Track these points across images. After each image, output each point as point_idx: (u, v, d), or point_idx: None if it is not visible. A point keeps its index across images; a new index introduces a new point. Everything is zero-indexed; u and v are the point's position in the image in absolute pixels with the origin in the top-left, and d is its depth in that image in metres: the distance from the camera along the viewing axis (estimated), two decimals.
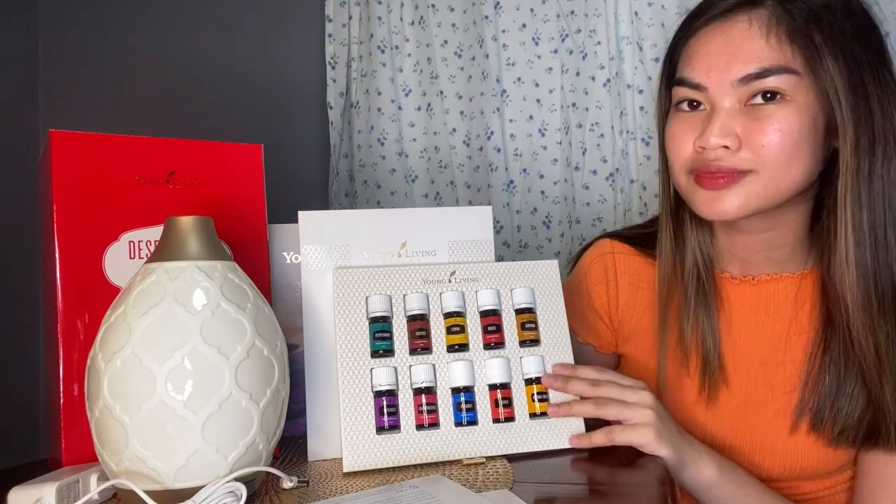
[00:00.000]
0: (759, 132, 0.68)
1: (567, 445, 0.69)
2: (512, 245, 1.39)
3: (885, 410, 0.70)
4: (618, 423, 0.68)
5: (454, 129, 1.42)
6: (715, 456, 0.71)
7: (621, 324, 0.87)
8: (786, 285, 0.78)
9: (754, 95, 0.68)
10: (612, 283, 0.87)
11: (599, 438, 0.67)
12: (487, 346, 0.72)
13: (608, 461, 0.66)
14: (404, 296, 0.72)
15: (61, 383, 0.65)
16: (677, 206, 0.80)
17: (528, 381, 0.71)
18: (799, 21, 0.67)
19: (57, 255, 0.65)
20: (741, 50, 0.68)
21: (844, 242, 0.68)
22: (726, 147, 0.69)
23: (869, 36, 0.70)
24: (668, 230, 0.81)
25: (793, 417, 0.76)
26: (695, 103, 0.72)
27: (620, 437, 0.66)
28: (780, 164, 0.68)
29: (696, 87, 0.71)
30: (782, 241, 0.77)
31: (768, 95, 0.68)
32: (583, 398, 0.70)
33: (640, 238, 0.87)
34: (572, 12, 1.34)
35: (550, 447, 0.69)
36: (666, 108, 0.78)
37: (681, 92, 0.73)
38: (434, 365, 0.70)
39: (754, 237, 0.77)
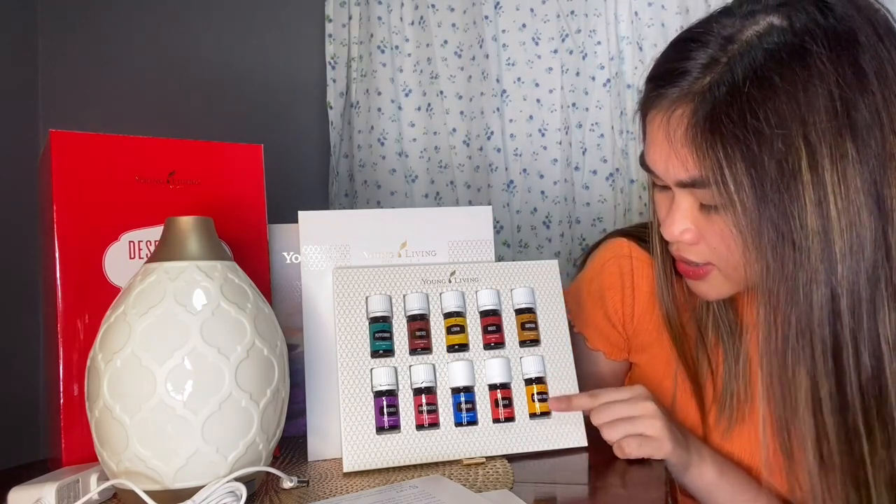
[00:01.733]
0: (709, 234, 0.63)
1: (567, 445, 0.69)
2: (512, 245, 1.39)
3: None
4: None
5: (454, 129, 1.42)
6: (717, 458, 0.71)
7: (635, 333, 0.81)
8: None
9: (696, 196, 0.63)
10: (627, 289, 0.80)
11: (619, 453, 0.65)
12: (487, 346, 0.72)
13: (608, 461, 0.66)
14: (404, 296, 0.72)
15: (61, 383, 0.65)
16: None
17: (528, 381, 0.71)
18: (722, 116, 0.57)
19: (57, 255, 0.65)
20: (671, 152, 0.61)
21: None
22: (685, 241, 0.65)
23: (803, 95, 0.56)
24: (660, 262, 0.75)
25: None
26: (661, 184, 0.67)
27: (636, 452, 0.64)
28: (735, 261, 0.62)
29: (654, 174, 0.66)
30: None
31: (704, 203, 0.62)
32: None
33: (645, 237, 0.82)
34: (572, 12, 1.34)
35: (550, 447, 0.69)
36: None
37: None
38: (434, 365, 0.70)
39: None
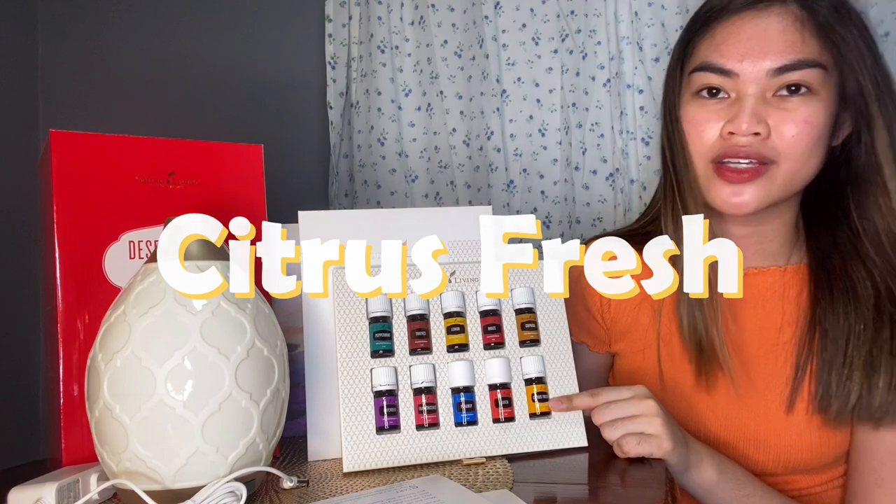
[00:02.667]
0: (790, 123, 0.69)
1: (567, 445, 0.69)
2: None
3: (875, 388, 0.70)
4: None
5: (454, 129, 1.42)
6: (715, 456, 0.71)
7: (614, 321, 0.87)
8: (774, 279, 0.79)
9: (782, 87, 0.70)
10: None
11: (618, 452, 0.66)
12: (487, 346, 0.72)
13: (608, 461, 0.66)
14: None
15: (61, 383, 0.65)
16: (680, 194, 0.79)
17: (528, 381, 0.71)
18: (825, 20, 0.70)
19: (57, 255, 0.65)
20: (776, 40, 0.69)
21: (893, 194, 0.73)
22: (757, 134, 0.69)
23: (872, 39, 0.73)
24: (670, 218, 0.79)
25: (785, 406, 0.76)
26: (715, 90, 0.73)
27: (635, 450, 0.65)
28: (803, 155, 0.70)
29: (727, 73, 0.71)
30: (774, 234, 0.79)
31: (794, 88, 0.70)
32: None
33: (630, 236, 0.85)
34: (572, 12, 1.34)
35: (550, 447, 0.69)
36: (676, 93, 0.78)
37: (705, 77, 0.73)
38: (434, 365, 0.70)
39: (750, 229, 0.79)
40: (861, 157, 0.74)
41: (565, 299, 0.84)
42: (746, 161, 0.71)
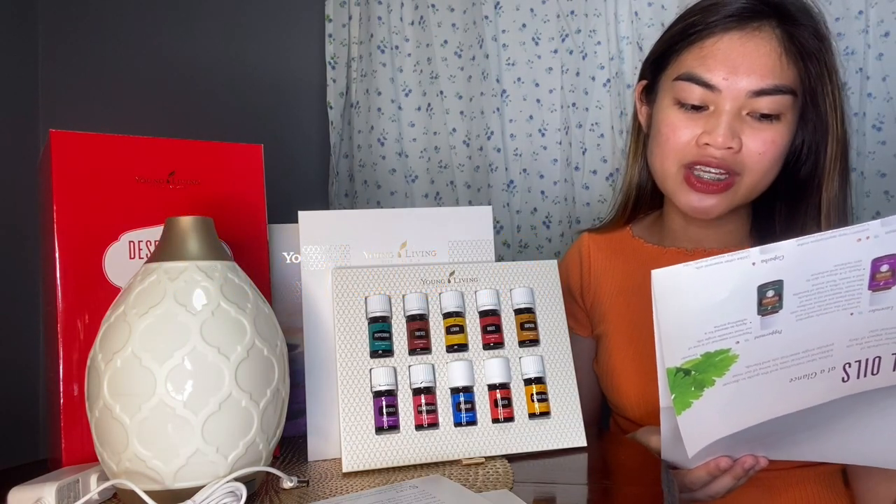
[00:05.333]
0: (758, 141, 0.76)
1: (566, 445, 0.69)
2: (512, 245, 1.39)
3: None
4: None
5: (454, 129, 1.42)
6: None
7: (593, 304, 0.94)
8: None
9: (756, 110, 0.76)
10: (585, 264, 0.96)
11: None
12: (487, 346, 0.72)
13: (608, 461, 0.66)
14: (403, 296, 0.72)
15: (61, 383, 0.65)
16: (640, 186, 0.93)
17: (528, 381, 0.71)
18: (803, 47, 0.76)
19: (57, 255, 0.65)
20: (758, 64, 0.75)
21: (825, 224, 0.79)
22: (730, 148, 0.75)
23: (835, 62, 0.80)
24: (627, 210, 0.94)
25: None
26: (698, 105, 0.78)
27: None
28: (766, 171, 0.78)
29: (710, 87, 0.76)
30: (732, 225, 0.86)
31: (766, 114, 0.76)
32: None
33: (610, 225, 0.97)
34: (572, 12, 1.34)
35: (550, 447, 0.69)
36: (648, 90, 0.86)
37: (689, 88, 0.78)
38: (433, 365, 0.70)
39: (712, 231, 0.86)
40: (807, 166, 0.81)
41: None
42: (716, 171, 0.77)
